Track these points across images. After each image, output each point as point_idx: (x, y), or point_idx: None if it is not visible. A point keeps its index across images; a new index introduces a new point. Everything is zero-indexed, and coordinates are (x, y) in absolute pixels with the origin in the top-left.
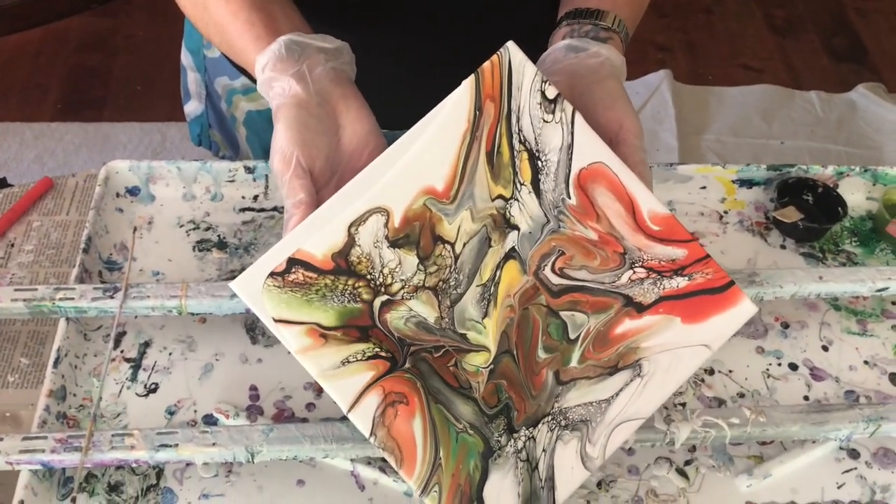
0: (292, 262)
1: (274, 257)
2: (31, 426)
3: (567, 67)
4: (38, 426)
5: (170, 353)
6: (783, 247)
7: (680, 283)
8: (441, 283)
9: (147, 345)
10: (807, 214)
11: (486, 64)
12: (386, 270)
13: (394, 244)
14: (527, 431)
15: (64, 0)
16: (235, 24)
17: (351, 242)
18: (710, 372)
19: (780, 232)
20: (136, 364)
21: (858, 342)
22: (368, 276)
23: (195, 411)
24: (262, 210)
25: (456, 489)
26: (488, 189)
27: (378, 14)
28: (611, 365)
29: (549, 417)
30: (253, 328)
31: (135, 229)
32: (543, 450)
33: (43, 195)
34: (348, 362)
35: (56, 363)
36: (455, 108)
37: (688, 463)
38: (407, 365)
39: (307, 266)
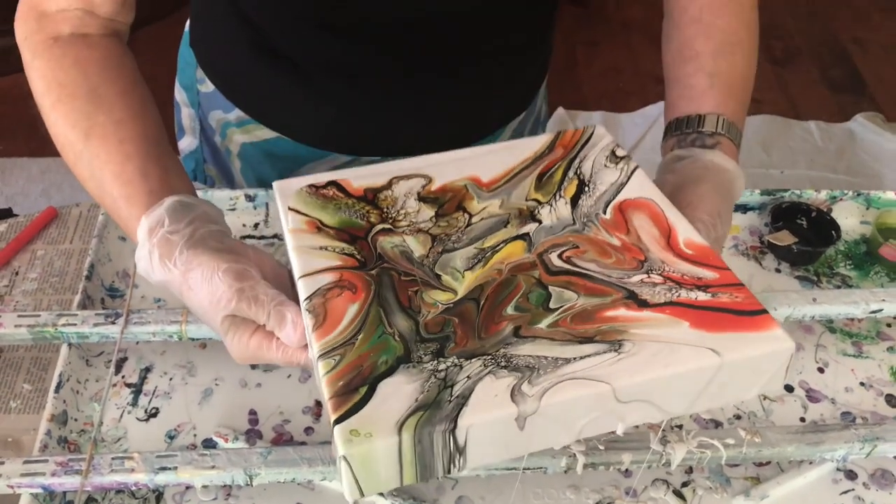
0: (331, 183)
1: (321, 178)
2: (33, 451)
3: (672, 176)
4: (39, 451)
5: (170, 378)
6: (778, 270)
7: (699, 296)
8: (443, 234)
9: (148, 370)
10: (801, 238)
11: (569, 130)
12: (403, 212)
13: (422, 199)
14: (456, 360)
15: None
16: (126, 166)
17: (387, 187)
18: None
19: (775, 256)
20: (136, 389)
21: (854, 364)
22: (385, 210)
23: (195, 435)
24: (263, 237)
25: (354, 367)
26: (527, 192)
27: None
28: (585, 336)
29: (489, 357)
30: None
31: None
32: (468, 377)
33: (47, 224)
34: (325, 249)
35: (58, 388)
36: (528, 142)
37: (685, 485)
38: (373, 272)
39: (341, 188)
